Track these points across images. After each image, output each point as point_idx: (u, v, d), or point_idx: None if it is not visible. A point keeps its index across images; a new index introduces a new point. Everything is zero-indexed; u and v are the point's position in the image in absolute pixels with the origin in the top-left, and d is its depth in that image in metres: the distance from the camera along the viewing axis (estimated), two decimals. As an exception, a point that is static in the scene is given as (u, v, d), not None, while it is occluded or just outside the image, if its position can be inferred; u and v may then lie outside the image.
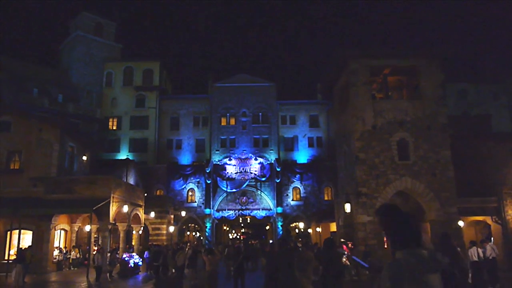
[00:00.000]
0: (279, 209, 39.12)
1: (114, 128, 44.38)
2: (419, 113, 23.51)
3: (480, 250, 17.97)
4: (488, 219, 24.40)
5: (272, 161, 40.55)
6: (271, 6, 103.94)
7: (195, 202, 39.86)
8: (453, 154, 23.14)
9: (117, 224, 25.49)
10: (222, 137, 43.05)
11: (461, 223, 23.29)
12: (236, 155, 41.28)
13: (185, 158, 43.12)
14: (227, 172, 40.07)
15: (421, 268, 2.21)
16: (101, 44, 47.10)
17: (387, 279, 2.27)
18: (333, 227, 32.67)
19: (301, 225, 39.89)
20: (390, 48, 24.52)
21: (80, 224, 27.80)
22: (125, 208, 24.21)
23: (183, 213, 37.43)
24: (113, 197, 22.86)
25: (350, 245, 21.29)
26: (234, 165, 40.31)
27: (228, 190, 39.76)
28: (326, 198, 39.74)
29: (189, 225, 41.45)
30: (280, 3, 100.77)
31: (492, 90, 43.03)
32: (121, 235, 26.82)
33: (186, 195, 40.06)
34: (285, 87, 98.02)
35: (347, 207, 24.11)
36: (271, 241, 29.40)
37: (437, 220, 22.40)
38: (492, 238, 21.31)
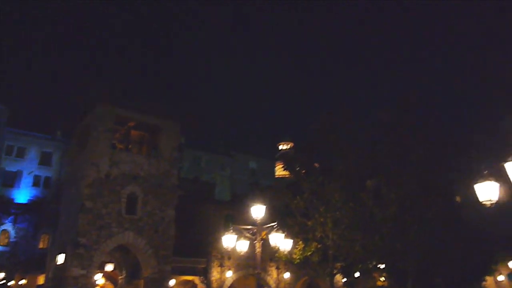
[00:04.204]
0: (-23, 255, 32.69)
1: None
2: (153, 171, 24.26)
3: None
4: (197, 279, 26.37)
5: (-18, 196, 34.25)
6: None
7: None
8: (179, 215, 24.55)
9: None
10: None
11: (172, 282, 24.36)
12: None
13: None
14: None
15: None
16: None
17: None
18: (42, 279, 29.21)
19: (1, 275, 34.09)
20: (137, 102, 25.00)
21: None
22: None
23: None
24: None
25: None
26: None
27: None
28: (41, 246, 35.56)
29: None
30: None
31: (220, 161, 48.88)
32: None
33: None
34: (21, 114, 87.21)
35: (61, 258, 22.11)
36: None
37: (151, 277, 22.74)
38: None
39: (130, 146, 26.10)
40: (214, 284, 26.05)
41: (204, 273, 26.07)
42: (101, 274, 25.97)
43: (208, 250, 26.37)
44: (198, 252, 26.44)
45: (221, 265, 26.21)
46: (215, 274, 26.16)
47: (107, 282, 29.23)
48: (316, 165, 21.19)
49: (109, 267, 23.85)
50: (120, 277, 25.73)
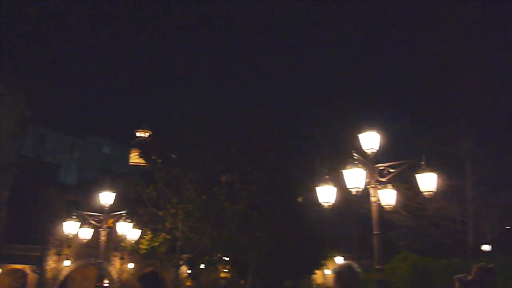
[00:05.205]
0: None
1: None
2: (-14, 144, 21.28)
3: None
4: (28, 268, 23.89)
5: None
6: None
7: None
8: (15, 196, 22.00)
9: None
10: None
11: (-3, 271, 21.70)
12: None
13: None
14: None
15: None
16: None
17: None
18: None
19: None
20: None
21: None
22: None
23: None
24: None
25: None
26: None
27: None
28: None
29: None
30: None
31: (70, 142, 45.14)
32: None
33: None
34: None
35: None
36: None
37: (-31, 266, 19.91)
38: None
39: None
40: (49, 274, 23.93)
41: (38, 262, 23.75)
42: None
43: (45, 237, 24.12)
44: (34, 238, 23.99)
45: (58, 254, 24.19)
46: (50, 263, 24.03)
47: None
48: (173, 156, 21.01)
49: None
50: None
